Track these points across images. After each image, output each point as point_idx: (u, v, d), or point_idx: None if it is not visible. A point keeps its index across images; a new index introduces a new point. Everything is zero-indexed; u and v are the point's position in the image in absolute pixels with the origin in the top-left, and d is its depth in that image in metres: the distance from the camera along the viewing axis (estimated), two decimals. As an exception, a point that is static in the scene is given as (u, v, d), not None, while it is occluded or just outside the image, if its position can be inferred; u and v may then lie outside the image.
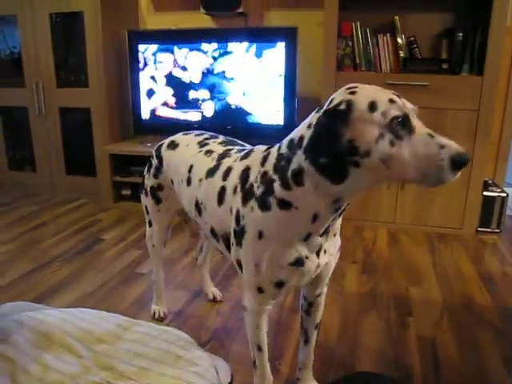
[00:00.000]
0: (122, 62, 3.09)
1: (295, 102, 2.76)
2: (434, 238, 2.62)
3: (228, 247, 1.18)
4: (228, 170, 1.16)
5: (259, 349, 1.19)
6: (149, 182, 1.55)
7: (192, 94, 2.95)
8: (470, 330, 1.72)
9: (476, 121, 2.48)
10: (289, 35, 2.69)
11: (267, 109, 2.83)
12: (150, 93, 3.04)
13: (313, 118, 0.95)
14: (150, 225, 1.64)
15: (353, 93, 0.90)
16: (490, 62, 2.39)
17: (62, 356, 1.16)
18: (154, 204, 1.57)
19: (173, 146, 1.46)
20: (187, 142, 1.42)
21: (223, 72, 2.87)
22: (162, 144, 1.52)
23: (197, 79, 2.92)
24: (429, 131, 0.87)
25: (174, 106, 3.01)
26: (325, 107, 0.93)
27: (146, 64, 3.00)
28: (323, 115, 0.90)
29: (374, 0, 2.66)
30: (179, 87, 2.96)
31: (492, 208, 2.65)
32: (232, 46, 2.82)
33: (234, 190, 1.10)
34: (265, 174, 1.02)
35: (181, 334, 1.29)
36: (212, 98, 2.92)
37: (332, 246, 1.11)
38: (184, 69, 2.93)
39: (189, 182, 1.31)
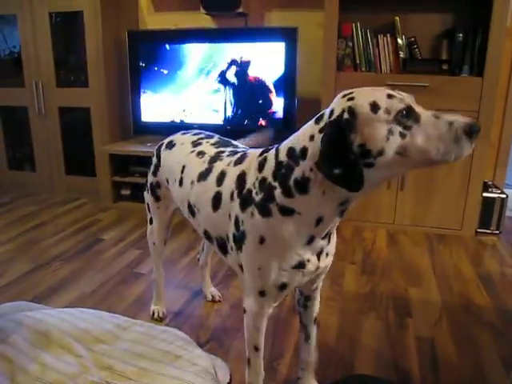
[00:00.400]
0: (122, 61, 3.09)
1: (295, 103, 2.76)
2: (433, 239, 2.62)
3: (222, 249, 1.21)
4: (222, 175, 1.17)
5: (256, 349, 1.20)
6: (150, 179, 1.58)
7: (191, 94, 2.95)
8: (468, 331, 1.73)
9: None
10: (289, 35, 2.68)
11: (267, 109, 2.83)
12: (150, 92, 3.04)
13: (313, 128, 0.95)
14: (151, 222, 1.65)
15: (351, 99, 0.90)
16: (490, 63, 2.39)
17: (60, 356, 1.16)
18: (154, 201, 1.59)
19: (170, 145, 1.47)
20: (183, 141, 1.44)
21: (223, 72, 2.87)
22: (162, 143, 1.54)
23: (196, 79, 2.92)
24: (433, 113, 0.89)
25: (174, 106, 3.01)
26: (326, 118, 0.93)
27: (145, 64, 3.00)
28: (329, 127, 0.90)
29: (375, 1, 2.66)
30: (178, 86, 2.96)
31: (492, 209, 2.65)
32: (232, 46, 2.82)
33: (231, 196, 1.10)
34: (263, 181, 1.03)
35: (180, 334, 1.29)
36: (212, 98, 2.92)
37: (330, 247, 1.12)
38: (183, 69, 2.93)
39: (181, 182, 1.33)
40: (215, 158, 1.24)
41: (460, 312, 1.86)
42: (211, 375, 1.15)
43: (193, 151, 1.34)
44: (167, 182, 1.46)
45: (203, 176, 1.23)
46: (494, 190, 2.69)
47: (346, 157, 0.87)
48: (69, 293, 1.99)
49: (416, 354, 1.58)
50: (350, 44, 2.62)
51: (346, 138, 0.87)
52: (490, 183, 2.79)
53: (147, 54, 3.00)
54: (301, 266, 1.05)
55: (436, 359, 1.55)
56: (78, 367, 1.12)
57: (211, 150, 1.30)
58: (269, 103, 2.81)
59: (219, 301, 1.91)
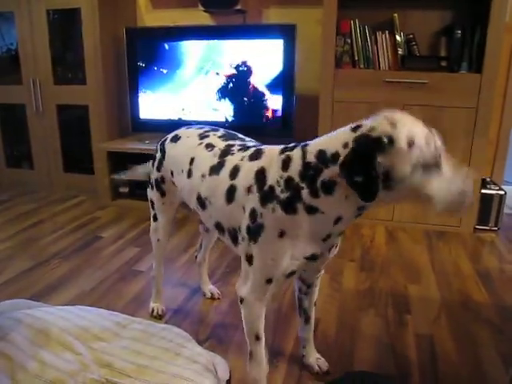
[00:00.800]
0: (120, 59, 3.08)
1: (294, 99, 2.75)
2: (432, 236, 2.63)
3: (234, 240, 1.24)
4: (235, 169, 1.20)
5: (257, 338, 1.22)
6: (154, 175, 1.58)
7: (190, 91, 2.95)
8: (467, 328, 1.73)
9: (474, 119, 2.48)
10: (287, 32, 2.68)
11: (266, 106, 2.83)
12: (148, 90, 3.03)
13: (349, 136, 1.00)
14: (155, 219, 1.65)
15: (393, 126, 0.96)
16: (489, 60, 2.39)
17: (60, 353, 1.15)
18: (159, 197, 1.60)
19: (175, 139, 1.49)
20: (188, 134, 1.46)
21: (221, 69, 2.86)
22: (166, 138, 1.55)
23: (195, 77, 2.91)
24: (453, 167, 0.99)
25: (172, 103, 3.00)
26: (365, 131, 0.99)
27: (143, 61, 2.99)
28: (364, 140, 0.97)
29: (373, -3, 2.66)
30: (177, 84, 2.96)
31: (490, 206, 2.65)
32: (230, 43, 2.82)
33: (249, 190, 1.14)
34: (290, 180, 1.07)
35: (179, 332, 1.28)
36: (210, 95, 2.92)
37: (338, 239, 1.21)
38: (181, 66, 2.92)
39: (189, 174, 1.35)
40: (226, 152, 1.27)
41: (459, 309, 1.86)
42: (211, 372, 1.15)
43: (201, 143, 1.36)
44: (172, 174, 1.48)
45: (215, 170, 1.25)
46: (493, 186, 2.69)
47: (369, 171, 0.94)
48: (68, 290, 1.99)
49: (415, 350, 1.58)
50: (349, 41, 2.61)
51: (376, 158, 0.94)
52: (488, 180, 2.80)
53: (145, 52, 2.99)
54: (313, 258, 1.13)
55: (435, 356, 1.56)
56: (77, 365, 1.11)
57: (220, 143, 1.33)
58: (266, 102, 2.81)
59: (218, 298, 1.92)
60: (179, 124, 1.57)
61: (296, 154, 1.09)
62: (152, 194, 1.62)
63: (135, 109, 3.08)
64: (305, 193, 1.04)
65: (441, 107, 2.50)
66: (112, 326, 1.28)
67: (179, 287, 2.02)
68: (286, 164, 1.09)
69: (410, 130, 0.96)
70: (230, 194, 1.19)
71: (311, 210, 1.05)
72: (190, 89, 2.94)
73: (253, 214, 1.12)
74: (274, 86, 2.79)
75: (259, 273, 1.15)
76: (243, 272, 1.20)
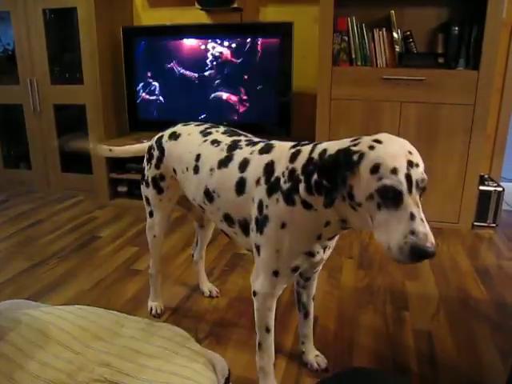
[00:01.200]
0: (117, 58, 3.07)
1: (291, 98, 2.75)
2: (430, 233, 2.62)
3: (244, 231, 1.26)
4: (245, 162, 1.22)
5: (267, 330, 1.26)
6: (150, 172, 1.57)
7: (187, 90, 2.94)
8: (466, 324, 1.73)
9: (472, 115, 2.48)
10: (284, 30, 2.67)
11: (263, 104, 2.83)
12: (145, 89, 3.02)
13: (345, 144, 1.02)
14: (151, 215, 1.65)
15: (372, 147, 0.95)
16: (486, 56, 2.39)
17: (59, 353, 1.15)
18: (156, 194, 1.59)
19: (174, 136, 1.49)
20: (189, 131, 1.47)
21: (218, 67, 2.86)
22: (162, 135, 1.55)
23: (192, 74, 2.91)
24: (413, 212, 0.91)
25: (170, 101, 2.99)
26: (350, 142, 1.01)
27: (140, 60, 2.98)
28: (342, 153, 0.98)
29: (370, -5, 2.65)
30: (174, 83, 2.95)
31: (488, 202, 2.66)
32: (227, 41, 2.81)
33: (257, 182, 1.17)
34: (293, 172, 1.10)
35: (178, 331, 1.28)
36: (208, 94, 2.91)
37: (333, 242, 1.23)
38: (178, 64, 2.91)
39: (196, 170, 1.36)
40: (234, 147, 1.29)
41: (457, 305, 1.86)
42: (210, 371, 1.15)
43: (205, 140, 1.37)
44: (174, 171, 1.48)
45: (224, 163, 1.27)
46: (491, 183, 2.69)
47: (335, 180, 0.96)
48: (66, 290, 1.99)
49: (413, 347, 1.59)
50: (346, 38, 2.61)
51: (344, 172, 0.96)
52: (486, 176, 2.80)
53: (142, 50, 2.99)
54: (311, 254, 1.16)
55: (433, 352, 1.56)
56: (76, 364, 1.11)
57: (226, 139, 1.34)
58: (263, 100, 2.81)
59: (216, 296, 1.92)
60: (177, 123, 1.57)
61: (306, 149, 1.11)
62: (147, 191, 1.61)
63: (133, 108, 3.07)
64: (301, 187, 1.07)
65: (438, 104, 2.50)
66: (111, 325, 1.28)
67: (178, 286, 2.02)
68: (294, 157, 1.11)
69: (382, 155, 0.92)
70: (241, 186, 1.21)
71: (307, 205, 1.08)
72: (187, 87, 2.94)
73: (260, 206, 1.15)
74: (271, 84, 2.78)
75: (266, 264, 1.18)
76: (256, 264, 1.23)
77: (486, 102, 2.45)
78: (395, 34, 2.58)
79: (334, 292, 1.96)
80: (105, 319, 1.31)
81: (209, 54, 2.85)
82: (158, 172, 1.55)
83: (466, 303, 1.88)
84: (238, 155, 1.25)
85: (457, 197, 2.62)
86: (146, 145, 1.64)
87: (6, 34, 3.26)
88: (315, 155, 1.07)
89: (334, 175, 0.96)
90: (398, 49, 2.59)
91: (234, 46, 2.81)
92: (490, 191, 2.65)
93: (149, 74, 2.99)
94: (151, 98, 3.03)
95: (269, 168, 1.16)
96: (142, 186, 1.63)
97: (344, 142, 1.03)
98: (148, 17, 3.29)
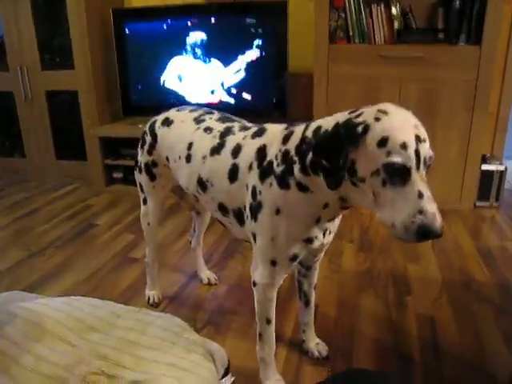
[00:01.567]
0: (108, 41, 2.99)
1: (286, 78, 2.68)
2: (431, 214, 2.59)
3: (239, 221, 1.22)
4: (237, 148, 1.18)
5: (268, 322, 1.24)
6: (143, 158, 1.53)
7: (181, 72, 2.87)
8: (469, 307, 1.71)
9: (474, 92, 2.41)
10: (279, 8, 2.59)
11: (258, 86, 2.76)
12: (138, 72, 2.95)
13: (342, 117, 0.95)
14: (145, 202, 1.61)
15: (378, 119, 0.88)
16: (489, 31, 2.31)
17: (54, 346, 1.13)
18: (148, 181, 1.55)
19: (167, 122, 1.44)
20: (182, 118, 1.41)
21: (212, 48, 2.78)
22: (155, 120, 1.50)
23: (185, 57, 2.83)
24: (421, 190, 0.86)
25: (163, 85, 2.92)
26: (348, 114, 0.94)
27: (132, 43, 2.90)
28: (342, 126, 0.92)
29: (367, -31, 2.56)
30: (167, 65, 2.88)
31: (490, 182, 2.61)
32: (221, 21, 2.73)
33: (250, 167, 1.13)
34: (286, 153, 1.05)
35: (176, 320, 1.26)
36: (201, 76, 2.84)
37: (334, 225, 1.18)
38: (172, 46, 2.84)
39: (188, 159, 1.32)
40: (226, 133, 1.25)
41: (460, 288, 1.83)
42: (208, 361, 1.13)
43: (198, 128, 1.33)
44: (167, 159, 1.44)
45: (216, 150, 1.23)
46: (493, 161, 2.64)
47: (336, 158, 0.89)
48: (63, 280, 1.96)
49: (416, 331, 1.56)
50: (343, 15, 2.53)
51: (346, 147, 0.89)
52: (488, 156, 2.75)
53: (134, 33, 2.90)
54: (309, 241, 1.10)
55: (436, 336, 1.54)
56: (73, 358, 1.09)
57: (219, 126, 1.30)
58: (259, 81, 2.74)
59: (215, 284, 1.89)
60: (171, 107, 1.51)
61: (299, 128, 1.06)
62: (141, 177, 1.57)
63: (126, 92, 3.00)
64: (296, 168, 1.02)
65: (439, 81, 2.44)
66: (107, 315, 1.26)
67: (175, 274, 1.99)
68: (286, 138, 1.07)
69: (390, 127, 0.87)
70: (233, 173, 1.17)
71: (302, 188, 1.03)
72: (180, 70, 2.86)
73: (254, 192, 1.11)
74: (266, 65, 2.71)
75: (263, 253, 1.14)
76: (254, 253, 1.20)
77: (489, 78, 2.38)
78: (394, 9, 2.49)
79: (335, 276, 1.93)
80: (101, 310, 1.28)
81: (202, 35, 2.77)
82: (150, 158, 1.51)
83: (469, 286, 1.85)
84: (231, 141, 1.21)
85: (458, 176, 2.57)
86: None
87: (-6, 19, 3.17)
88: (309, 133, 1.01)
89: (333, 152, 0.90)
90: (396, 25, 2.51)
91: (227, 26, 2.72)
92: (492, 170, 2.60)
93: (141, 57, 2.91)
94: (144, 81, 2.95)
95: (261, 152, 1.11)
96: (135, 172, 1.59)
97: (342, 115, 0.97)
98: (139, -3, 3.19)
